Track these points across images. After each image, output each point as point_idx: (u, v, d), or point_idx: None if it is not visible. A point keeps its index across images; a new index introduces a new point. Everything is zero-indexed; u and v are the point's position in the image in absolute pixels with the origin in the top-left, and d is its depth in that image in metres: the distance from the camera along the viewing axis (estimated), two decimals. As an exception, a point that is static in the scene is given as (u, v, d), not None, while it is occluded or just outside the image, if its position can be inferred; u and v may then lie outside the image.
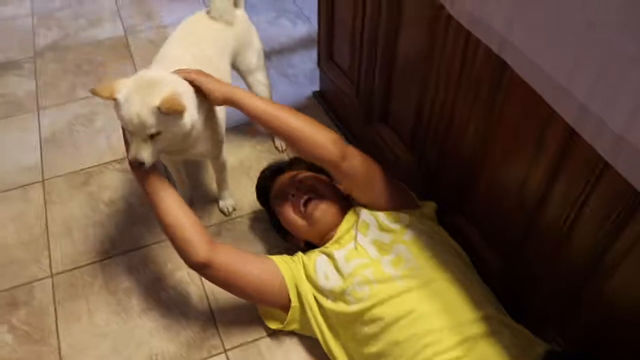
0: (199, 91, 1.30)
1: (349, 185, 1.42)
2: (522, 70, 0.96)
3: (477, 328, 1.14)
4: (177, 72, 1.30)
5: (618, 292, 0.97)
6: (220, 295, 1.50)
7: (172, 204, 1.29)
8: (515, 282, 1.24)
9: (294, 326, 1.37)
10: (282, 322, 1.37)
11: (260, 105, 1.33)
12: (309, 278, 1.35)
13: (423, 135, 1.43)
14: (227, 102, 1.33)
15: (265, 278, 1.33)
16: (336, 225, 1.42)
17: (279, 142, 1.91)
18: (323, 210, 1.41)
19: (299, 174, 1.51)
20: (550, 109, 0.90)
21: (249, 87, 1.73)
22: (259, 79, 1.74)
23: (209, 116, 1.40)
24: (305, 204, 1.41)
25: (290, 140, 1.34)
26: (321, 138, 1.32)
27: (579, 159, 0.94)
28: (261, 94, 1.71)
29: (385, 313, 1.19)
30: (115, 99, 1.19)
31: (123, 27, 2.58)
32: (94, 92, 1.20)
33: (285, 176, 1.53)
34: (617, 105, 0.77)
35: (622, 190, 0.86)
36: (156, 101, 1.17)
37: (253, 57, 1.70)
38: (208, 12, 1.59)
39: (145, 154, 1.22)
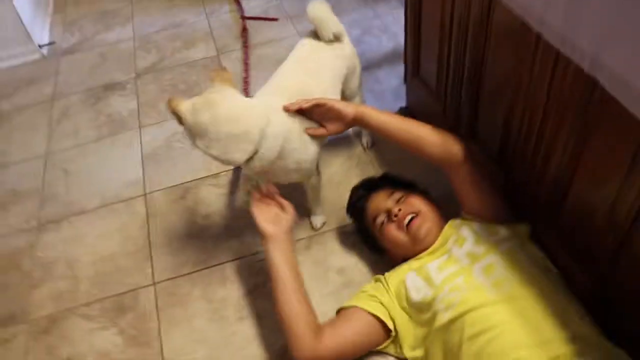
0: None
1: (461, 186, 1.48)
2: (615, 89, 0.95)
3: (567, 348, 1.12)
4: (299, 101, 1.43)
5: None
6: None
7: (287, 294, 1.34)
8: (609, 303, 1.21)
9: (391, 349, 1.40)
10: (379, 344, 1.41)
11: (387, 119, 1.48)
12: (399, 296, 1.38)
13: (510, 155, 1.43)
14: (357, 119, 1.47)
15: (372, 339, 1.37)
16: (436, 238, 1.45)
17: (365, 139, 2.00)
18: (427, 227, 1.44)
19: (396, 191, 1.53)
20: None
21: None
22: (358, 100, 1.82)
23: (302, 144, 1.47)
24: (409, 223, 1.44)
25: (417, 146, 1.47)
26: (444, 140, 1.45)
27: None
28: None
29: (475, 322, 1.19)
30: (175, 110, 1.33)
31: (216, 47, 2.71)
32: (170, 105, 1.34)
33: (382, 194, 1.54)
34: None
35: None
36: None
37: (356, 82, 1.79)
38: (318, 37, 1.63)
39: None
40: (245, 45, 2.63)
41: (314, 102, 1.43)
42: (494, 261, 1.29)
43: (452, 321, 1.23)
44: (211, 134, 1.30)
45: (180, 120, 1.32)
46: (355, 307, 1.38)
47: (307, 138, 1.47)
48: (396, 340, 1.38)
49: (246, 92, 2.32)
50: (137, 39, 2.88)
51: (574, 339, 1.14)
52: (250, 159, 1.35)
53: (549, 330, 1.16)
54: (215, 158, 1.34)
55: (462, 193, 1.48)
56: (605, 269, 1.19)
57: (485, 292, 1.23)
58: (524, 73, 1.26)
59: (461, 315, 1.21)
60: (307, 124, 1.47)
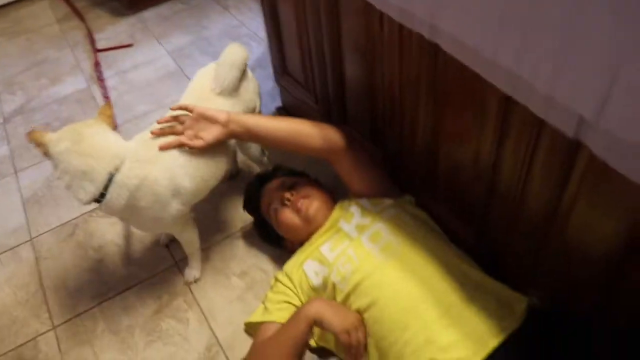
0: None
1: (347, 173, 1.51)
2: (454, 49, 1.02)
3: (458, 294, 1.19)
4: (174, 116, 1.40)
5: (575, 237, 1.03)
6: (217, 314, 1.55)
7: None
8: (488, 247, 1.30)
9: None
10: None
11: (263, 119, 1.46)
12: (302, 287, 1.41)
13: (381, 130, 1.50)
14: (232, 121, 1.40)
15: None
16: (327, 218, 1.50)
17: None
18: (316, 206, 1.49)
19: (287, 179, 1.59)
20: (485, 80, 0.97)
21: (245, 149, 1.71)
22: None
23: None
24: (301, 205, 1.48)
25: (298, 143, 1.45)
26: (324, 132, 1.45)
27: (518, 121, 1.01)
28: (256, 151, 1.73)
29: (370, 290, 1.24)
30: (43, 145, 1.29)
31: (85, 79, 2.63)
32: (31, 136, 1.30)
33: (274, 183, 1.59)
34: (539, 68, 0.84)
35: (560, 143, 0.92)
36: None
37: None
38: (213, 89, 1.48)
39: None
40: (101, 79, 2.56)
41: (177, 107, 1.41)
42: (380, 228, 1.35)
43: (351, 292, 1.27)
44: (62, 165, 1.26)
45: (44, 151, 1.28)
46: (273, 322, 1.37)
47: (167, 195, 1.36)
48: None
49: (114, 126, 2.24)
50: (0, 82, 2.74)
51: (465, 286, 1.21)
52: (99, 202, 1.31)
53: (440, 282, 1.22)
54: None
55: (349, 179, 1.53)
56: (481, 218, 1.28)
57: (375, 258, 1.29)
58: (376, 48, 1.32)
59: (357, 285, 1.26)
60: (184, 170, 1.37)
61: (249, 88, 1.57)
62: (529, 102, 0.91)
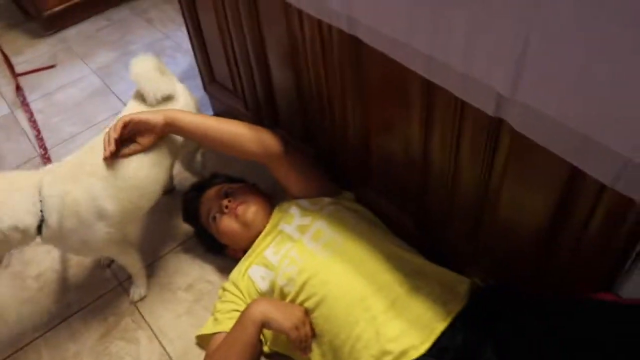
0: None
1: (285, 177, 1.51)
2: (372, 40, 1.05)
3: (402, 287, 1.22)
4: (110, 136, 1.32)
5: (509, 216, 1.07)
6: (167, 330, 1.53)
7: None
8: (428, 233, 1.34)
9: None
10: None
11: (201, 120, 1.41)
12: (250, 294, 1.40)
13: (313, 128, 1.52)
14: (168, 124, 1.36)
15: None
16: (267, 221, 1.50)
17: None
18: (254, 210, 1.49)
19: (224, 186, 1.58)
20: (406, 67, 0.99)
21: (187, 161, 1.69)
22: (198, 160, 1.79)
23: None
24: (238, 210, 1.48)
25: (235, 145, 1.43)
26: (261, 136, 1.43)
27: (441, 105, 1.03)
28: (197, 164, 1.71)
29: (315, 289, 1.25)
30: None
31: (7, 104, 2.54)
32: None
33: (211, 191, 1.58)
34: (452, 48, 0.87)
35: (482, 122, 0.95)
36: None
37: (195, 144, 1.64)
38: (141, 99, 1.45)
39: None
40: (25, 103, 2.47)
41: (120, 125, 1.33)
42: (320, 226, 1.37)
43: (299, 293, 1.28)
44: None
45: None
46: (224, 332, 1.36)
47: (90, 217, 1.31)
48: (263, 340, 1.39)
49: (44, 150, 2.20)
50: None
51: (409, 275, 1.24)
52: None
53: (384, 274, 1.25)
54: None
55: (286, 182, 1.53)
56: (418, 205, 1.31)
57: (318, 256, 1.30)
58: (300, 48, 1.33)
59: (304, 285, 1.27)
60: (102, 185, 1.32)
61: (179, 90, 1.55)
62: (447, 84, 0.94)
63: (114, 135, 1.32)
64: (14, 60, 2.83)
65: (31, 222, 1.24)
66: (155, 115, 1.36)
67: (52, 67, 2.70)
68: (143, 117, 1.35)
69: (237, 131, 1.43)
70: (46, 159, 2.14)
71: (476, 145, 1.02)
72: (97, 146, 1.35)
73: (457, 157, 1.09)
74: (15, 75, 2.65)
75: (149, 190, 1.41)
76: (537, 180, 0.96)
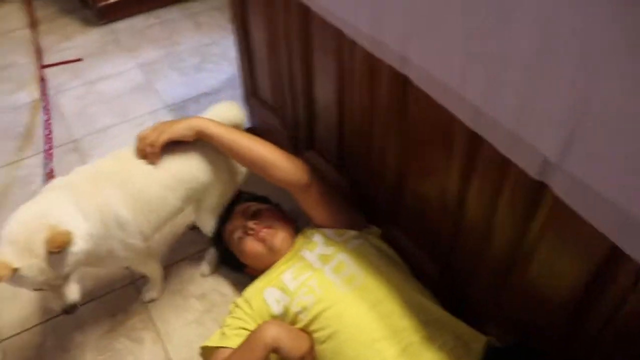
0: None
1: (310, 208, 1.50)
2: (422, 82, 1.04)
3: (418, 334, 1.19)
4: (138, 136, 1.38)
5: (538, 278, 1.05)
6: (173, 335, 1.52)
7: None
8: (451, 283, 1.32)
9: None
10: None
11: (231, 135, 1.43)
12: (261, 315, 1.38)
13: (348, 159, 1.51)
14: (200, 137, 1.41)
15: None
16: (290, 247, 1.49)
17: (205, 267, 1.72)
18: (281, 237, 1.48)
19: (251, 206, 1.57)
20: (453, 116, 0.99)
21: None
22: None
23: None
24: (264, 234, 1.47)
25: (262, 167, 1.44)
26: (291, 164, 1.44)
27: (484, 158, 1.02)
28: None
29: (329, 321, 1.24)
30: (15, 270, 1.11)
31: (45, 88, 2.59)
32: None
33: (237, 212, 1.57)
34: (504, 104, 0.86)
35: (524, 182, 0.93)
36: (42, 247, 1.11)
37: (214, 201, 1.61)
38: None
39: (73, 293, 1.21)
40: (44, 94, 2.48)
41: (161, 145, 1.37)
42: (343, 259, 1.35)
43: (311, 322, 1.26)
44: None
45: None
46: (229, 348, 1.34)
47: (112, 226, 1.31)
48: None
49: (49, 140, 2.20)
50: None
51: (425, 323, 1.21)
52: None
53: (401, 319, 1.22)
54: None
55: (311, 213, 1.52)
56: (446, 253, 1.29)
57: (337, 289, 1.28)
58: (347, 76, 1.33)
59: (318, 316, 1.25)
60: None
61: None
62: (494, 139, 0.93)
63: (154, 150, 1.37)
64: (62, 45, 2.89)
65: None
66: (188, 132, 1.41)
67: (79, 60, 2.73)
68: (178, 133, 1.40)
69: (267, 154, 1.44)
70: (49, 154, 2.12)
71: (515, 203, 1.01)
72: (123, 156, 1.40)
73: (493, 211, 1.07)
74: (41, 66, 2.69)
75: (158, 208, 1.40)
76: (575, 250, 0.94)
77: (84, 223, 1.22)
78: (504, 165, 0.97)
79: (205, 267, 1.68)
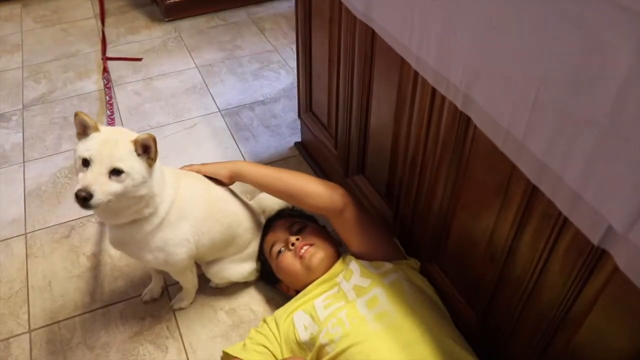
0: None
1: (345, 233, 1.47)
2: (484, 126, 0.98)
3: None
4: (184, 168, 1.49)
5: (584, 345, 0.97)
6: (198, 348, 1.49)
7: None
8: (488, 334, 1.24)
9: None
10: None
11: (264, 173, 1.51)
12: (287, 338, 1.35)
13: (397, 189, 1.46)
14: (234, 178, 1.51)
15: None
16: (328, 270, 1.45)
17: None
18: (320, 257, 1.45)
19: (295, 222, 1.54)
20: (513, 164, 0.92)
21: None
22: None
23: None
24: (304, 251, 1.45)
25: (296, 196, 1.48)
26: (324, 191, 1.45)
27: (541, 212, 0.96)
28: None
29: (356, 357, 1.18)
30: (97, 130, 1.19)
31: (110, 79, 2.62)
32: (80, 115, 1.18)
33: (281, 226, 1.55)
34: (571, 163, 0.79)
35: (582, 245, 0.87)
36: (133, 137, 1.19)
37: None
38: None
39: (98, 187, 1.12)
40: (107, 87, 2.51)
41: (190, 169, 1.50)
42: (378, 293, 1.29)
43: (337, 356, 1.21)
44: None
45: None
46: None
47: (184, 212, 1.36)
48: None
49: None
50: (26, 68, 2.74)
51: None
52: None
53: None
54: None
55: (346, 238, 1.48)
56: (487, 302, 1.21)
57: (368, 325, 1.23)
58: (405, 107, 1.28)
59: (344, 351, 1.20)
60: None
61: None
62: (555, 197, 0.86)
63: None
64: (128, 38, 2.94)
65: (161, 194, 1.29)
66: (222, 171, 1.51)
67: (139, 59, 2.76)
68: (210, 170, 1.50)
69: (301, 185, 1.47)
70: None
71: (569, 265, 0.93)
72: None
73: (543, 269, 1.00)
74: (105, 58, 2.72)
75: (224, 222, 1.48)
76: (631, 321, 0.86)
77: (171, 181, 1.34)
78: (562, 223, 0.91)
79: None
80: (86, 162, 1.15)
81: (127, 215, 1.26)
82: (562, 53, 0.75)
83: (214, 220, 1.44)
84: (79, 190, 1.12)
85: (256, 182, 1.51)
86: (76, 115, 1.19)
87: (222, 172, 1.49)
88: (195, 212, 1.39)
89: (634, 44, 0.63)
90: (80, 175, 1.15)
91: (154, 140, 1.20)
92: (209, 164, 1.52)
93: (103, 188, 1.13)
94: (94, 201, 1.12)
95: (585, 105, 0.73)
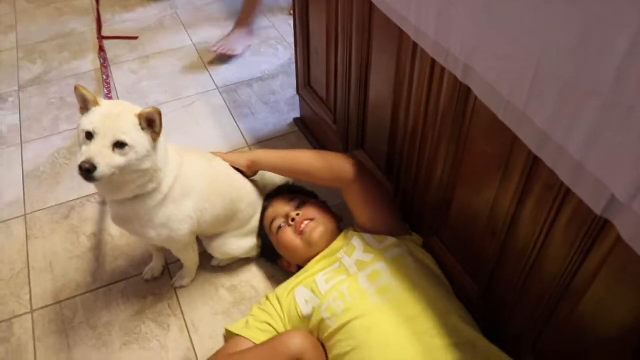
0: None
1: (354, 203, 1.47)
2: (485, 96, 0.96)
3: (447, 356, 1.12)
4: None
5: (587, 316, 0.96)
6: (200, 325, 1.49)
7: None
8: (491, 306, 1.24)
9: None
10: None
11: (278, 155, 1.56)
12: (290, 313, 1.35)
13: (397, 163, 1.44)
14: (252, 165, 1.55)
15: None
16: (328, 245, 1.45)
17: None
18: (320, 231, 1.44)
19: (295, 197, 1.54)
20: (514, 135, 0.91)
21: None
22: None
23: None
24: (304, 226, 1.44)
25: (308, 176, 1.52)
26: (334, 164, 1.46)
27: (543, 183, 0.94)
28: None
29: (358, 331, 1.18)
30: (97, 104, 1.19)
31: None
32: (80, 88, 1.19)
33: (281, 201, 1.54)
34: (574, 133, 0.78)
35: (585, 215, 0.86)
36: (137, 111, 1.19)
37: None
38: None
39: (101, 159, 1.12)
40: (104, 66, 2.47)
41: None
42: (380, 267, 1.29)
43: (338, 330, 1.21)
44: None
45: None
46: (248, 339, 1.32)
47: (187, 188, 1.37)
48: None
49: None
50: (21, 48, 2.71)
51: (456, 344, 1.14)
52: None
53: (433, 338, 1.15)
54: None
55: (356, 210, 1.48)
56: (489, 275, 1.21)
57: (369, 299, 1.22)
58: (404, 80, 1.27)
59: (346, 325, 1.20)
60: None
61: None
62: (557, 167, 0.84)
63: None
64: (123, 16, 2.90)
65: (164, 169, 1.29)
66: (241, 161, 1.56)
67: (135, 38, 2.72)
68: (231, 159, 1.56)
69: (310, 161, 1.50)
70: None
71: (571, 236, 0.92)
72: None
73: (545, 241, 0.99)
74: (100, 37, 2.68)
75: (226, 197, 1.48)
76: (634, 292, 0.85)
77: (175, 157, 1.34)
78: (564, 194, 0.90)
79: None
80: (90, 135, 1.15)
81: (130, 190, 1.25)
82: (565, 23, 0.73)
83: (217, 195, 1.44)
84: (83, 162, 1.12)
85: (273, 167, 1.55)
86: (76, 89, 1.20)
87: (241, 162, 1.54)
88: (199, 188, 1.38)
89: (637, 12, 0.61)
90: (84, 148, 1.15)
91: (159, 114, 1.19)
92: (230, 153, 1.56)
93: (107, 160, 1.13)
94: (97, 173, 1.12)
95: (588, 74, 0.72)
